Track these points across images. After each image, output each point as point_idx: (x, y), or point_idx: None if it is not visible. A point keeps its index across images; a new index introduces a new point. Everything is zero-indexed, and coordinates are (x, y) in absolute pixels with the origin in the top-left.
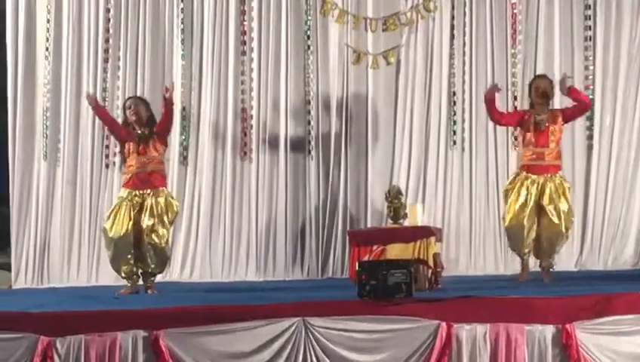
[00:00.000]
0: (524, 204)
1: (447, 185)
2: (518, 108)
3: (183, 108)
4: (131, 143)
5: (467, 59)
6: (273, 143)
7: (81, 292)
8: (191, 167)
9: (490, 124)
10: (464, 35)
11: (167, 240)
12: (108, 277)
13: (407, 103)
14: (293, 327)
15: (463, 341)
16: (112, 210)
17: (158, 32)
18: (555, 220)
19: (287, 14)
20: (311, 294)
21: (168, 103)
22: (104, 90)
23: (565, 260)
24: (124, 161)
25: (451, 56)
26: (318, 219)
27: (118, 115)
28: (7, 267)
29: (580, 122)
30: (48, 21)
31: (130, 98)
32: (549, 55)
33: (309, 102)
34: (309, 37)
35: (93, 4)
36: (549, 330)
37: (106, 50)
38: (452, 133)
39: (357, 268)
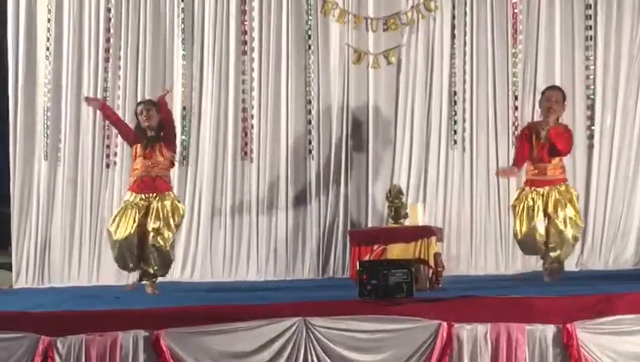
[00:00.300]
0: (532, 214)
1: (448, 184)
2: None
3: (184, 108)
4: (138, 146)
5: (468, 58)
6: (274, 143)
7: (81, 292)
8: (191, 167)
9: (492, 123)
10: (465, 35)
11: (172, 243)
12: (109, 276)
13: (408, 103)
14: (294, 327)
15: (464, 341)
16: (118, 213)
17: (159, 32)
18: (561, 226)
19: (287, 14)
20: (312, 294)
21: (161, 105)
22: (105, 89)
23: (566, 260)
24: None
25: (452, 55)
26: (319, 218)
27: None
28: (7, 267)
29: (581, 122)
30: (49, 21)
31: (141, 103)
32: (549, 54)
33: (310, 102)
34: (309, 37)
35: (94, 4)
36: (550, 330)
37: (107, 50)
38: (453, 132)
39: (358, 267)
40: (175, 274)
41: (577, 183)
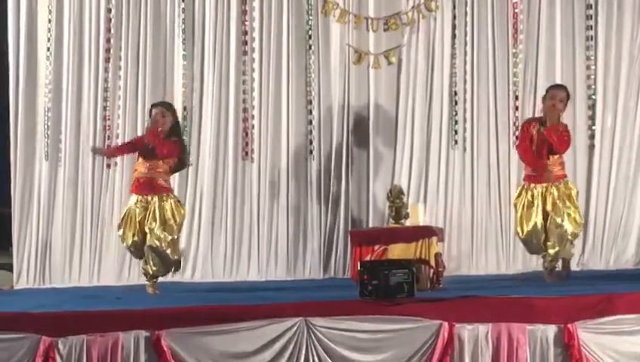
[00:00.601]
0: (533, 211)
1: (448, 184)
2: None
3: (184, 109)
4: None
5: (469, 58)
6: (275, 143)
7: (82, 293)
8: (192, 167)
9: (492, 123)
10: (465, 35)
11: (172, 243)
12: (109, 277)
13: (409, 103)
14: (295, 327)
15: (465, 341)
16: (122, 218)
17: (160, 32)
18: (559, 222)
19: (288, 14)
20: (313, 294)
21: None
22: (105, 90)
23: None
24: None
25: (453, 55)
26: (320, 219)
27: (118, 115)
28: (8, 267)
29: (582, 122)
30: (49, 21)
31: (155, 106)
32: (550, 55)
33: (311, 102)
34: (310, 37)
35: (95, 4)
36: (551, 330)
37: (107, 50)
38: (454, 132)
39: (359, 268)
40: (176, 274)
41: (578, 183)
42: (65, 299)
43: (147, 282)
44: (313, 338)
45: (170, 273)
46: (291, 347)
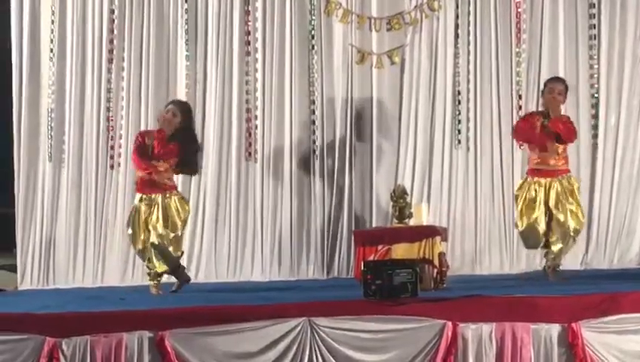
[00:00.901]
0: (534, 205)
1: (452, 184)
2: (522, 110)
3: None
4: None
5: (472, 58)
6: (278, 143)
7: (86, 293)
8: None
9: (496, 123)
10: (468, 35)
11: (174, 241)
12: (113, 278)
13: (412, 103)
14: (299, 327)
15: (469, 340)
16: (129, 218)
17: (163, 33)
18: (562, 219)
19: (291, 14)
20: (316, 294)
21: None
22: (108, 90)
23: (570, 259)
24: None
25: (456, 55)
26: (324, 218)
27: (121, 116)
28: (12, 268)
29: (585, 121)
30: (53, 22)
31: (172, 103)
32: (553, 54)
33: (314, 102)
34: (313, 37)
35: (98, 5)
36: (554, 329)
37: (111, 51)
38: (457, 132)
39: (362, 267)
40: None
41: (582, 182)
42: (69, 300)
43: (151, 282)
44: (317, 338)
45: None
46: (295, 347)
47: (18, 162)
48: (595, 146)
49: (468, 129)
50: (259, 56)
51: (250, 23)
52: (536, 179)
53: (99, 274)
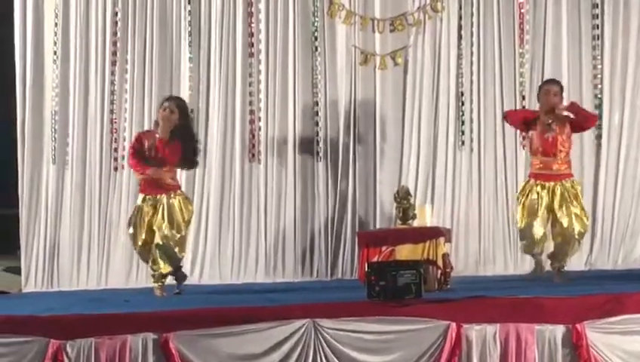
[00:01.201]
0: (535, 207)
1: (455, 185)
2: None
3: (191, 111)
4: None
5: (475, 59)
6: (282, 145)
7: (90, 296)
8: (199, 169)
9: (499, 123)
10: (472, 35)
11: (179, 241)
12: (117, 280)
13: (415, 104)
14: (303, 329)
15: (473, 341)
16: (131, 217)
17: (166, 35)
18: (565, 223)
19: (294, 16)
20: (320, 295)
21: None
22: (112, 93)
23: (575, 259)
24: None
25: (459, 56)
26: (327, 220)
27: (125, 118)
28: (17, 271)
29: None
30: (56, 25)
31: (170, 100)
32: (556, 54)
33: (317, 104)
34: (316, 38)
35: (101, 8)
36: (559, 330)
37: (114, 53)
38: (460, 133)
39: (366, 269)
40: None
41: (585, 182)
42: (73, 302)
43: (155, 284)
44: (321, 339)
45: (177, 282)
46: (299, 349)
47: (22, 164)
48: (598, 146)
49: (471, 130)
50: (262, 57)
51: (253, 25)
52: (539, 182)
53: (103, 276)
